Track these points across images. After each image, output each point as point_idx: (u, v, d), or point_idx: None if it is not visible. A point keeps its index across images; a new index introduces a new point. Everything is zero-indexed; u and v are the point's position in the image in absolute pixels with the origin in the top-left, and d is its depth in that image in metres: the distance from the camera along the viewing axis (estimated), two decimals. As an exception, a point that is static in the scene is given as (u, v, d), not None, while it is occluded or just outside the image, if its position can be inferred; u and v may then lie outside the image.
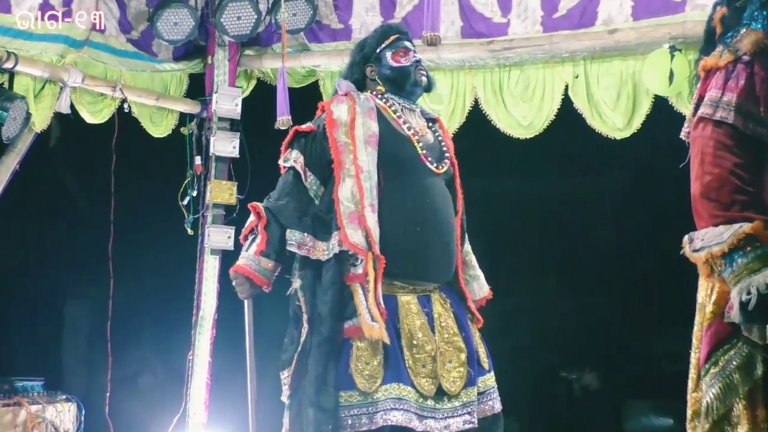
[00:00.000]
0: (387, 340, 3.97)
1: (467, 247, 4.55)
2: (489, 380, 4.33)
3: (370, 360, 3.99)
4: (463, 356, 4.15)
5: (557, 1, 6.52)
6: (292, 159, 4.27)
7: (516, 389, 5.90)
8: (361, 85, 4.53)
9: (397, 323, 4.08)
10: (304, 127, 4.34)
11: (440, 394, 4.08)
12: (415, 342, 4.07)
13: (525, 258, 7.78)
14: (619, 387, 7.94)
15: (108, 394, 7.01)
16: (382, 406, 3.96)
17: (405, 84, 4.46)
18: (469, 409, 4.13)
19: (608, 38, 6.35)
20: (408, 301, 4.13)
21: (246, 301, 4.33)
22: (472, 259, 4.59)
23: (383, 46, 4.52)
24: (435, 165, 4.32)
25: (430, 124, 4.52)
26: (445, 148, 4.44)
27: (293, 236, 4.15)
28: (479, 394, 4.23)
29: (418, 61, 4.50)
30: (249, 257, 4.17)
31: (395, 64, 4.47)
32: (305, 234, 4.15)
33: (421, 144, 4.33)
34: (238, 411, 7.50)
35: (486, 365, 4.32)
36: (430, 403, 4.04)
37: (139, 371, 7.98)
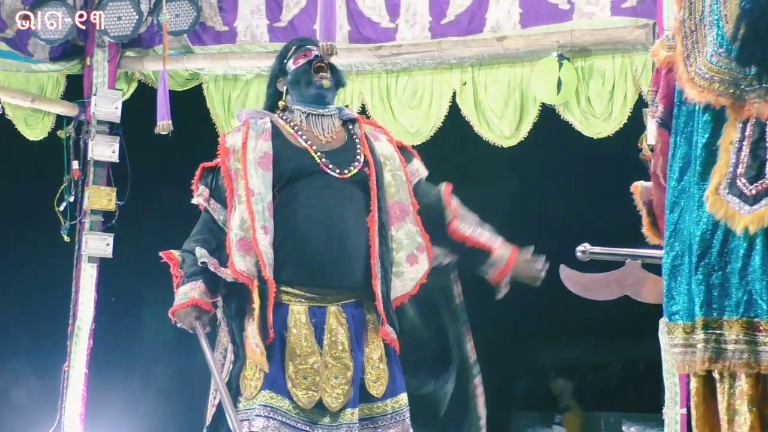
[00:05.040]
0: (266, 369, 3.97)
1: (391, 244, 4.22)
2: (378, 408, 4.15)
3: (256, 368, 4.00)
4: (349, 374, 4.05)
5: (445, 7, 6.53)
6: (198, 195, 4.25)
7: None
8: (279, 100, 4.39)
9: (284, 332, 4.04)
10: (210, 163, 4.27)
11: (320, 408, 4.01)
12: (298, 353, 4.01)
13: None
14: (507, 398, 7.94)
15: (-22, 407, 6.87)
16: (254, 412, 3.97)
17: (304, 86, 4.28)
18: (347, 430, 4.02)
19: (497, 45, 6.38)
20: (298, 311, 4.06)
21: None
22: (397, 256, 4.21)
23: (289, 55, 4.36)
24: (338, 171, 4.17)
25: (350, 126, 4.34)
26: (358, 149, 4.26)
27: (201, 252, 4.10)
28: (366, 419, 4.08)
29: (317, 56, 4.30)
30: (177, 296, 4.14)
31: (294, 66, 4.31)
32: (211, 256, 4.11)
33: (319, 153, 4.17)
34: (114, 424, 7.39)
35: (378, 393, 4.12)
36: (309, 416, 3.99)
37: (12, 384, 7.82)
